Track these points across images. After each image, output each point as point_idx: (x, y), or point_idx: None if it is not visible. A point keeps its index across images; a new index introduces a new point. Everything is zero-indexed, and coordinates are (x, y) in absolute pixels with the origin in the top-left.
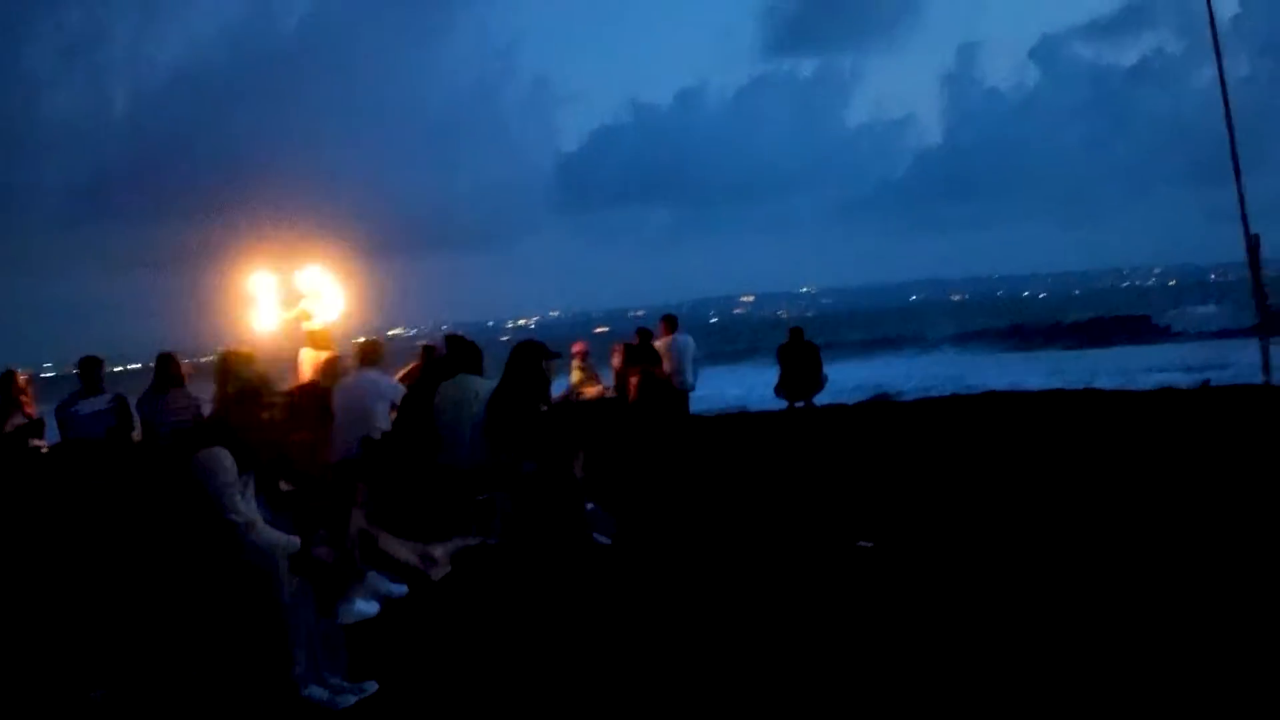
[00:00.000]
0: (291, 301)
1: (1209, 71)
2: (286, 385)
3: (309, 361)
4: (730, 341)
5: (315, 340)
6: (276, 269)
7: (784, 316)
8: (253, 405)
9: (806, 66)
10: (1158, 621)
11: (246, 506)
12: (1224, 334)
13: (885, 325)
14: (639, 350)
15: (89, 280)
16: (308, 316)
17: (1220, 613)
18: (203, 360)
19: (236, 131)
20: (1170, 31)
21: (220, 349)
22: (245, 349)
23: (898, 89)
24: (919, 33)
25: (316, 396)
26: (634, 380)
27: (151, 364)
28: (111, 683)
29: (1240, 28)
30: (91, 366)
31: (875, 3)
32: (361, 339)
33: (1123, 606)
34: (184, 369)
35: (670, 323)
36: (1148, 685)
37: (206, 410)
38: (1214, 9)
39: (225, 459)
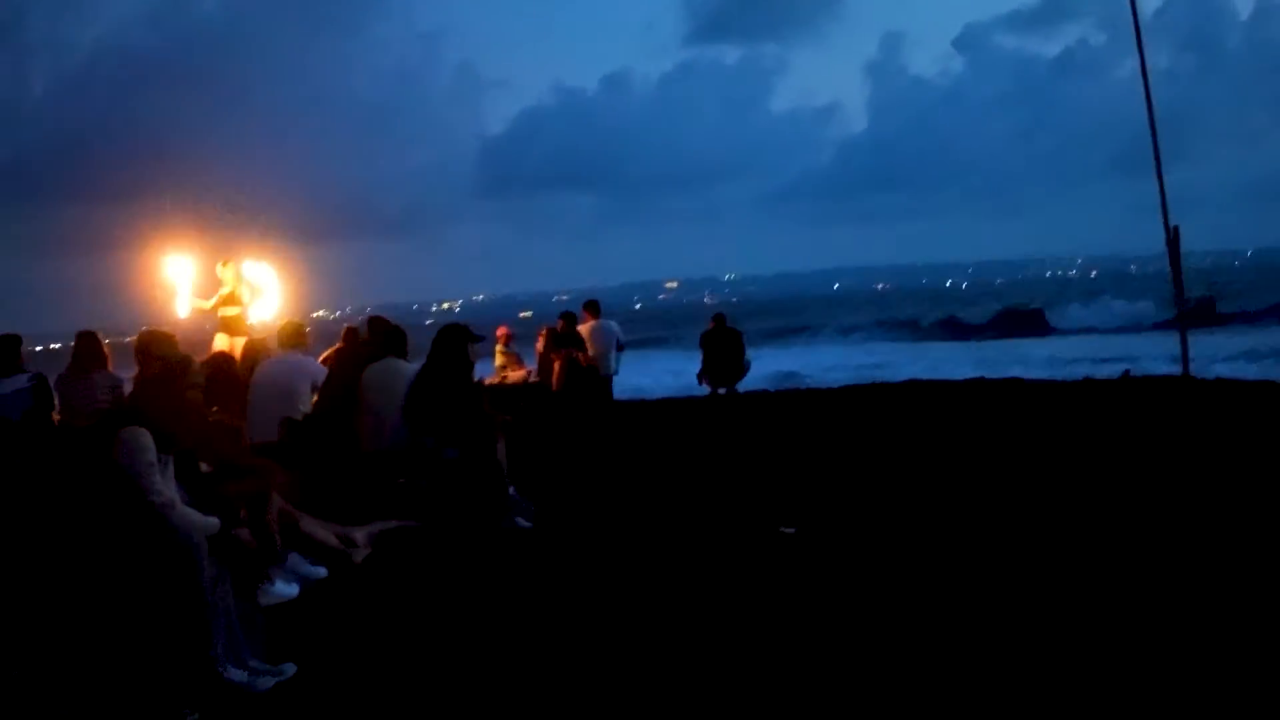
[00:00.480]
0: (211, 292)
1: (1131, 63)
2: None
3: (223, 347)
4: (654, 327)
5: (230, 327)
6: (196, 255)
7: (709, 302)
8: (174, 386)
9: (731, 54)
10: (1081, 598)
11: (167, 487)
12: (1142, 326)
13: (809, 313)
14: (563, 335)
15: (8, 261)
16: (234, 302)
17: (1145, 585)
18: (125, 340)
19: (157, 114)
20: (1093, 23)
21: (141, 329)
22: (166, 330)
23: (822, 77)
24: (842, 20)
25: (226, 367)
26: (558, 365)
27: (72, 343)
28: (25, 665)
29: (1162, 20)
30: (10, 345)
31: None
32: (283, 321)
33: (1047, 586)
34: (105, 349)
35: (593, 308)
36: (1067, 662)
37: (128, 390)
38: (1136, 1)
39: (146, 439)
